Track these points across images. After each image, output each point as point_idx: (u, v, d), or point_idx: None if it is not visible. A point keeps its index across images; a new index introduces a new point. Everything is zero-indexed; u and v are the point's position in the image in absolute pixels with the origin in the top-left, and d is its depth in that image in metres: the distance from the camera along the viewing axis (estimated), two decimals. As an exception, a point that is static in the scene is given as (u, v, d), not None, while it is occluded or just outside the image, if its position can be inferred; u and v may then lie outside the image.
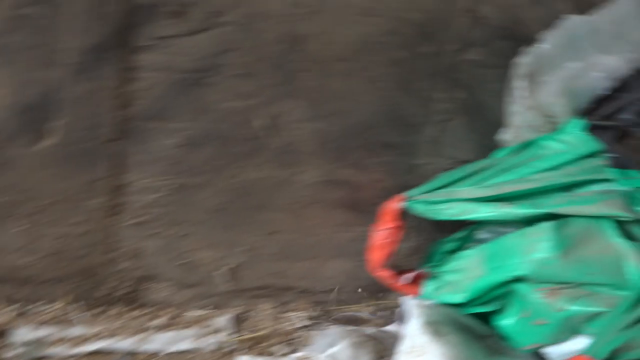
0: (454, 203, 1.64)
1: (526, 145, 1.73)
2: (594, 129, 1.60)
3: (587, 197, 1.58)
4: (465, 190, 1.65)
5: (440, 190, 1.69)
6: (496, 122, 1.84)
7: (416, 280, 1.73)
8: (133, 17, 1.59)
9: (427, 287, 1.72)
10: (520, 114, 1.70)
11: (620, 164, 1.54)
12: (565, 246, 1.53)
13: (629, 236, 1.56)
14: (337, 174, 1.89)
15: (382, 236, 1.69)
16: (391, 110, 1.81)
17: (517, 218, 1.60)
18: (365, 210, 1.90)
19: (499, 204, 1.60)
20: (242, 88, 1.71)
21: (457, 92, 1.83)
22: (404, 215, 1.68)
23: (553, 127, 1.70)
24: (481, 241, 1.75)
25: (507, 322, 1.67)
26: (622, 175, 1.54)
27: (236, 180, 1.84)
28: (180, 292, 1.93)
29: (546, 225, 1.55)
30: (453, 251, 1.78)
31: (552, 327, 1.56)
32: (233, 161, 1.81)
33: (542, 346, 1.61)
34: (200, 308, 1.94)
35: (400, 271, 1.73)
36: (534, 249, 1.56)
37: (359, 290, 2.05)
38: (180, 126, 1.73)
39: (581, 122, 1.61)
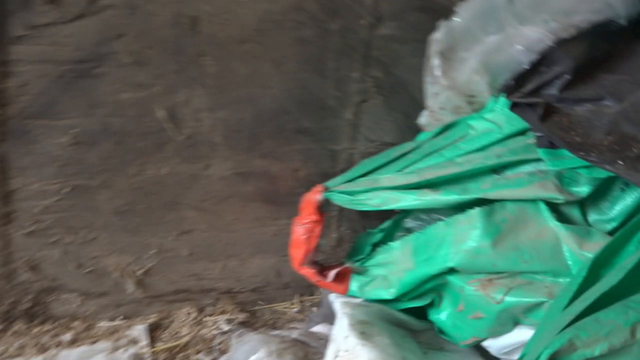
0: (377, 192, 1.53)
1: (450, 126, 1.62)
2: (517, 107, 1.50)
3: (517, 179, 1.48)
4: (388, 177, 1.54)
5: (361, 179, 1.57)
6: (417, 101, 1.73)
7: (342, 277, 1.61)
8: (3, 4, 1.41)
9: (353, 283, 1.61)
10: (437, 95, 1.58)
11: (547, 144, 1.44)
12: (496, 234, 1.44)
13: (563, 218, 1.48)
14: (250, 165, 1.76)
15: (302, 231, 1.56)
16: (303, 93, 1.69)
17: (444, 205, 1.50)
18: (284, 202, 1.80)
19: (424, 191, 1.49)
20: (136, 77, 1.56)
21: (372, 70, 1.72)
22: (325, 207, 1.57)
23: (474, 107, 1.59)
24: (409, 231, 1.64)
25: (442, 316, 1.57)
26: (550, 156, 1.44)
27: (139, 179, 1.69)
28: (87, 302, 1.79)
29: (475, 212, 1.46)
30: (379, 243, 1.66)
31: (489, 320, 1.46)
32: (134, 158, 1.66)
33: (481, 340, 1.51)
34: (111, 319, 1.81)
35: (324, 267, 1.61)
36: (464, 239, 1.46)
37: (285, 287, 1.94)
38: (70, 123, 1.56)
39: (504, 100, 1.51)
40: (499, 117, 1.55)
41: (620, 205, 1.48)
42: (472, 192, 1.47)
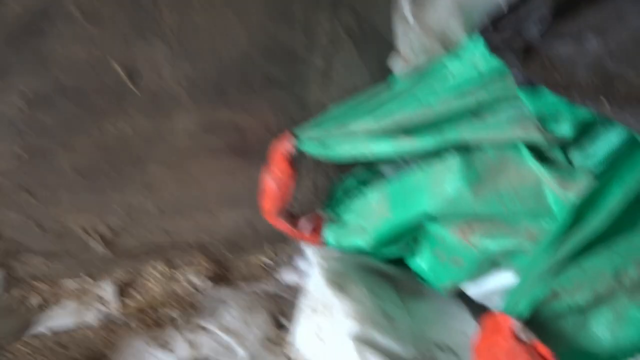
0: (350, 140, 1.47)
1: (426, 67, 1.53)
2: (495, 49, 1.40)
3: (497, 121, 1.41)
4: (361, 123, 1.46)
5: (332, 126, 1.51)
6: (392, 45, 1.64)
7: (316, 227, 1.57)
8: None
9: (329, 233, 1.57)
10: (407, 37, 1.50)
11: (527, 83, 1.35)
12: (475, 180, 1.40)
13: (545, 160, 1.43)
14: (217, 117, 1.69)
15: (273, 181, 1.51)
16: (269, 42, 1.60)
17: (420, 151, 1.43)
18: (255, 154, 1.73)
19: (399, 137, 1.42)
20: (89, 32, 1.45)
21: (343, 15, 1.62)
22: (296, 155, 1.51)
23: (446, 49, 1.50)
24: (384, 178, 1.59)
25: (421, 263, 1.54)
26: (531, 96, 1.36)
27: (101, 138, 1.61)
28: (52, 264, 1.75)
29: (453, 158, 1.41)
30: (355, 191, 1.61)
31: (468, 265, 1.44)
32: (94, 117, 1.58)
33: (460, 285, 1.49)
34: (78, 279, 1.76)
35: (298, 217, 1.57)
36: (442, 185, 1.42)
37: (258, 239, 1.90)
38: (23, 83, 1.47)
39: (480, 41, 1.43)
40: (476, 56, 1.47)
41: (604, 145, 1.41)
42: (449, 137, 1.40)
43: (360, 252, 1.55)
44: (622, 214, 1.22)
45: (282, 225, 1.56)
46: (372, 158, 1.53)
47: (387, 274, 1.55)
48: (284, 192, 1.53)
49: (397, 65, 1.58)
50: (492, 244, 1.41)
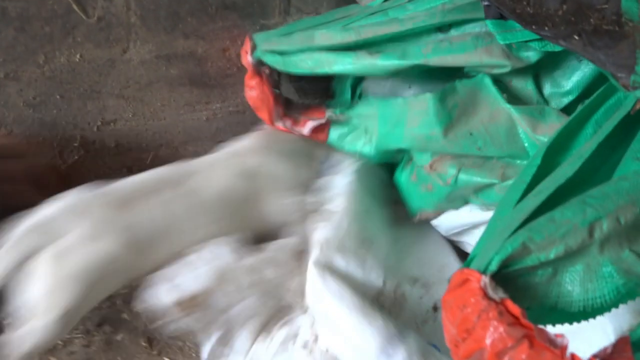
0: (311, 54, 1.42)
1: None
2: None
3: (462, 42, 1.36)
4: (324, 34, 1.41)
5: (295, 35, 1.45)
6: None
7: (321, 126, 1.52)
8: None
9: (333, 132, 1.54)
10: None
11: (497, 14, 1.29)
12: (447, 120, 1.38)
13: (516, 93, 1.40)
14: (173, 46, 1.61)
15: (253, 93, 1.51)
16: (225, -37, 1.50)
17: (382, 72, 1.39)
18: (215, 85, 1.68)
19: (361, 54, 1.38)
20: (30, -48, 1.36)
21: None
22: (260, 65, 1.48)
23: None
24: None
25: (401, 179, 1.52)
26: (500, 28, 1.30)
27: (50, 67, 1.54)
28: (10, 202, 1.66)
29: (427, 97, 1.37)
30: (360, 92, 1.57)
31: (438, 195, 1.42)
32: (40, 45, 1.50)
33: (429, 215, 1.46)
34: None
35: (300, 118, 1.53)
36: (416, 124, 1.41)
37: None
38: (-42, 8, 1.38)
39: None
40: None
41: (577, 76, 1.36)
42: (412, 57, 1.35)
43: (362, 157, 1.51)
44: (596, 162, 1.16)
45: (285, 129, 1.53)
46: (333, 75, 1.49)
47: (386, 194, 1.52)
48: (269, 99, 1.49)
49: None
50: (463, 178, 1.38)
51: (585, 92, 1.34)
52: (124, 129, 1.69)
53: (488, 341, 0.96)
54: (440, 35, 1.38)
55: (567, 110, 1.36)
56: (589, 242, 1.02)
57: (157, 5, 1.52)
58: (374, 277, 1.33)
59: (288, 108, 1.51)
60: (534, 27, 1.20)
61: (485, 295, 0.97)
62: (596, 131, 1.19)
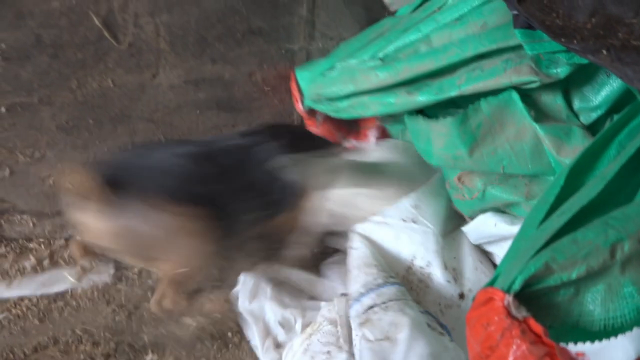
0: (355, 98, 1.50)
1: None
2: None
3: (493, 67, 1.38)
4: (364, 77, 1.47)
5: (337, 76, 1.51)
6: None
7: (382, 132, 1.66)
8: None
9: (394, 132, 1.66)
10: None
11: (525, 24, 1.30)
12: (472, 141, 1.39)
13: (545, 108, 1.41)
14: (201, 71, 1.67)
15: (317, 130, 1.65)
16: (251, -9, 1.55)
17: (422, 106, 1.44)
18: (242, 108, 1.73)
19: (402, 95, 1.44)
20: (65, -18, 1.42)
21: (327, -38, 1.57)
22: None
23: None
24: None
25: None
26: (528, 38, 1.31)
27: (82, 92, 1.60)
28: (41, 223, 1.72)
29: (448, 122, 1.40)
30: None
31: (470, 204, 1.47)
32: (73, 71, 1.56)
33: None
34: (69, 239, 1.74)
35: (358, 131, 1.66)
36: (440, 144, 1.43)
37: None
38: (-3, 37, 1.44)
39: None
40: None
41: (606, 91, 1.36)
42: (448, 90, 1.39)
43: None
44: (619, 184, 1.17)
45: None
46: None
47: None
48: (330, 133, 1.65)
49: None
50: (489, 193, 1.41)
51: (614, 107, 1.36)
52: (153, 152, 1.73)
53: (511, 359, 0.97)
54: (473, 64, 1.41)
55: (596, 124, 1.38)
56: (611, 263, 1.03)
57: (186, 32, 1.57)
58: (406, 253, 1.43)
59: (347, 128, 1.62)
60: (562, 39, 1.21)
61: (509, 314, 0.99)
62: (619, 152, 1.19)
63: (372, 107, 1.47)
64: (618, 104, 1.34)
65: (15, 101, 1.54)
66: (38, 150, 1.63)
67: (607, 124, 1.32)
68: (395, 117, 1.58)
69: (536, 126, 1.33)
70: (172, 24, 1.55)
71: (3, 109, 1.54)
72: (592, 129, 1.37)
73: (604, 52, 1.18)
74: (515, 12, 1.29)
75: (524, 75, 1.33)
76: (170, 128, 1.71)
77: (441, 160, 1.45)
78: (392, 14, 1.63)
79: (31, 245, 1.72)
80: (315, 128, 1.64)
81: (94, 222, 1.26)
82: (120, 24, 1.51)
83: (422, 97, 1.41)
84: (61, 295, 1.64)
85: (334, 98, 1.51)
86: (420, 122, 1.46)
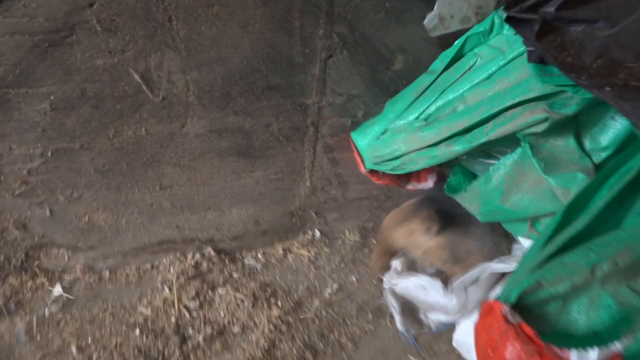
0: (407, 156, 1.70)
1: (458, 57, 1.72)
2: (514, 21, 1.52)
3: (513, 113, 1.57)
4: (412, 139, 1.68)
5: (390, 140, 1.72)
6: (381, 54, 1.80)
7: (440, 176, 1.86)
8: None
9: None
10: (452, 4, 1.69)
11: (538, 59, 1.50)
12: (500, 195, 1.62)
13: (559, 150, 1.59)
14: (224, 121, 1.84)
15: (381, 182, 1.85)
16: (271, 51, 1.75)
17: (458, 155, 1.64)
18: (259, 156, 1.89)
19: (442, 146, 1.65)
20: (108, 44, 1.61)
21: (337, 27, 1.78)
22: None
23: (478, 18, 1.72)
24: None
25: None
26: (540, 71, 1.50)
27: (118, 139, 1.77)
28: (76, 256, 1.89)
29: (474, 186, 1.66)
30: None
31: None
32: (112, 120, 1.73)
33: None
34: (99, 271, 1.91)
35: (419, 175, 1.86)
36: (476, 206, 1.68)
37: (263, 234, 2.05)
38: (48, 90, 1.63)
39: (507, 27, 1.61)
40: (503, 42, 1.64)
41: (612, 133, 1.55)
42: (478, 138, 1.59)
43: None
44: (604, 216, 1.37)
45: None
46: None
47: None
48: (394, 182, 1.83)
49: (431, 26, 1.75)
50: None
51: (621, 147, 1.54)
52: (178, 193, 1.91)
53: (508, 356, 1.19)
54: (499, 116, 1.60)
55: (605, 162, 1.56)
56: (592, 280, 1.26)
57: (212, 87, 1.75)
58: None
59: (407, 174, 1.81)
60: (572, 75, 1.38)
61: (506, 320, 1.22)
62: (609, 195, 1.40)
63: (420, 161, 1.67)
64: (624, 144, 1.52)
65: (59, 146, 1.72)
66: (76, 190, 1.81)
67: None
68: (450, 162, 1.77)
69: (547, 178, 1.53)
70: (201, 81, 1.74)
71: (49, 154, 1.72)
72: (602, 166, 1.55)
73: (608, 88, 1.35)
74: (532, 48, 1.48)
75: (537, 115, 1.50)
76: (194, 172, 1.89)
77: (483, 217, 1.68)
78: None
79: (65, 276, 1.89)
80: (378, 180, 1.83)
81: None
82: (155, 80, 1.70)
83: (458, 147, 1.60)
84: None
85: (389, 159, 1.71)
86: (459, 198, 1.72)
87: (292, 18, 1.72)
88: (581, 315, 1.28)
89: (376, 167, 1.76)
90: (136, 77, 1.68)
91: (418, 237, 1.82)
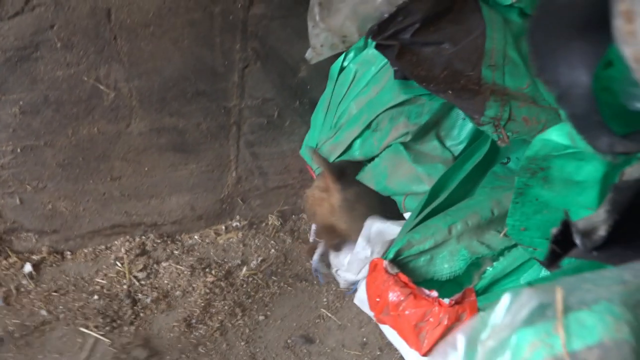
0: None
1: (343, 67, 2.08)
2: (380, 47, 1.84)
3: (384, 127, 1.97)
4: (332, 147, 2.07)
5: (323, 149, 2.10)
6: (289, 64, 2.24)
7: None
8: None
9: None
10: (318, 36, 2.02)
11: (402, 76, 1.84)
12: (385, 177, 2.00)
13: (426, 150, 1.96)
14: (162, 122, 2.22)
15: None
16: (197, 63, 2.16)
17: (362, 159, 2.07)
18: (192, 150, 2.29)
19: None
20: (67, 58, 2.00)
21: (251, 42, 2.19)
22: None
23: (346, 45, 2.04)
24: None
25: None
26: (403, 86, 1.85)
27: (76, 138, 2.14)
28: (42, 239, 2.25)
29: (371, 167, 2.04)
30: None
31: None
32: (70, 121, 2.10)
33: None
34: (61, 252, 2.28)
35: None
36: (372, 184, 2.04)
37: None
38: (18, 97, 2.00)
39: (375, 48, 1.88)
40: (373, 55, 1.97)
41: (465, 130, 1.91)
42: (372, 151, 2.03)
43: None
44: (459, 193, 1.80)
45: None
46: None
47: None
48: None
49: (310, 56, 2.12)
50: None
51: (472, 139, 1.92)
52: (126, 184, 2.29)
53: (391, 299, 1.56)
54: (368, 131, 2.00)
55: (463, 152, 1.93)
56: (449, 237, 1.66)
57: (151, 93, 2.15)
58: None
59: None
60: (424, 84, 1.73)
61: (387, 272, 1.60)
62: (464, 177, 1.83)
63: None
64: (474, 137, 1.91)
65: (27, 144, 2.09)
66: (41, 181, 2.18)
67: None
68: None
69: (416, 166, 1.91)
70: (141, 87, 2.12)
71: (19, 150, 2.10)
72: (460, 156, 1.92)
73: (450, 92, 1.71)
74: (396, 68, 1.82)
75: (400, 131, 1.91)
76: (138, 165, 2.27)
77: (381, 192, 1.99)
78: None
79: (33, 256, 2.26)
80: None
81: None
82: (104, 87, 2.09)
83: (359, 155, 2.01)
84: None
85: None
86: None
87: (214, 35, 2.12)
88: (444, 264, 1.66)
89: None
90: (89, 85, 2.08)
91: (333, 193, 1.99)
